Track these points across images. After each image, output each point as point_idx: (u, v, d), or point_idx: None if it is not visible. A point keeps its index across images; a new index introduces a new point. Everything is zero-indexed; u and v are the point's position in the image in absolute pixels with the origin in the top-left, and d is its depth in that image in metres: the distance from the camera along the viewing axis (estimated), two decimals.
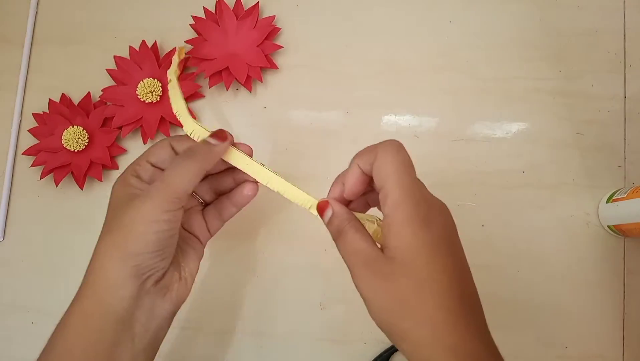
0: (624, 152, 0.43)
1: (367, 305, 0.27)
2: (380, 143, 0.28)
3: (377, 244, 0.28)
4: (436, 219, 0.27)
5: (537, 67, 0.45)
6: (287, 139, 0.46)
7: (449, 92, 0.45)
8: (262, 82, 0.46)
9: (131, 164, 0.32)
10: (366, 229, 0.29)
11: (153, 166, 0.32)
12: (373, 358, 0.42)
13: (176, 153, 0.33)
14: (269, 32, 0.46)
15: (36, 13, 0.50)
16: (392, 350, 0.42)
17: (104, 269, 0.28)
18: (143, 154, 0.32)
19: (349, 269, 0.28)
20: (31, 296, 0.46)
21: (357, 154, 0.29)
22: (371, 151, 0.28)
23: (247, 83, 0.46)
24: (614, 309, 0.42)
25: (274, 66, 0.46)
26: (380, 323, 0.27)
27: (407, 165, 0.27)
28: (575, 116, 0.44)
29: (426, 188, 0.29)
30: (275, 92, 0.47)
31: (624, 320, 0.41)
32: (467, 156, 0.44)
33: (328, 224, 0.30)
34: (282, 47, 0.46)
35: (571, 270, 0.42)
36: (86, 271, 0.29)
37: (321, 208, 0.30)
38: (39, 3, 0.50)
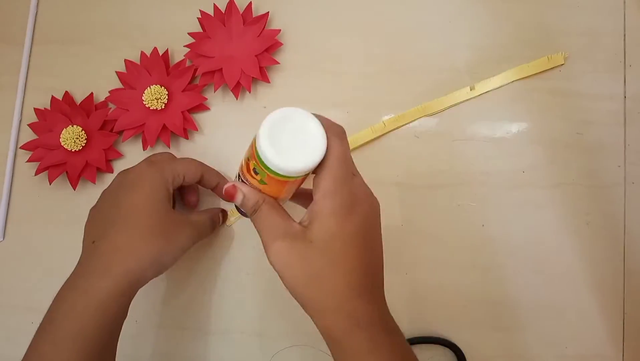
0: (624, 152, 0.43)
1: (280, 277, 0.30)
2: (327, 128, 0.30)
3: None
4: (360, 211, 0.30)
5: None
6: None
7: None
8: (250, 92, 0.46)
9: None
10: (280, 205, 0.31)
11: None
12: None
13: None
14: (271, 45, 0.45)
15: (36, 13, 0.50)
16: None
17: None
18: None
19: (264, 242, 0.30)
20: (31, 296, 0.46)
21: None
22: None
23: (236, 89, 0.46)
24: (614, 309, 0.42)
25: (266, 80, 0.45)
26: (293, 294, 0.30)
27: (344, 157, 0.30)
28: (575, 116, 0.44)
29: (361, 178, 0.31)
30: (275, 91, 0.47)
31: (624, 320, 0.41)
32: (467, 156, 0.44)
33: (242, 205, 0.32)
34: (279, 64, 0.46)
35: (571, 270, 0.42)
36: None
37: (229, 193, 0.32)
38: (39, 3, 0.50)
